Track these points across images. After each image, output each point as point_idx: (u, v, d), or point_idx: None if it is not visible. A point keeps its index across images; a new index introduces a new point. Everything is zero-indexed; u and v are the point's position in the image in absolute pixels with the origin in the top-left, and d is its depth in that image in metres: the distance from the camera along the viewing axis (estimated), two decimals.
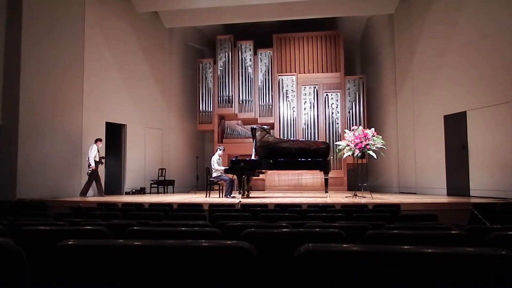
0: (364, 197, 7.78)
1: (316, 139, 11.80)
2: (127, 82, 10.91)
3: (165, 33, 12.38)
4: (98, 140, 9.69)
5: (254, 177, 9.16)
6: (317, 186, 11.74)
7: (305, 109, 12.31)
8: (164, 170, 11.50)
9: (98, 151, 9.44)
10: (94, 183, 9.13)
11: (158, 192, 10.94)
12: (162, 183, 11.18)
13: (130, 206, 5.68)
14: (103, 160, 9.95)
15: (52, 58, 8.98)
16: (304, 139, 11.62)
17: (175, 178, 11.79)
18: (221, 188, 8.75)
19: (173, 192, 11.42)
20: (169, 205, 5.58)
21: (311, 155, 8.16)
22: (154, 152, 11.68)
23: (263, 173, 9.47)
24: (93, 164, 9.28)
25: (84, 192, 8.99)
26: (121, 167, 10.83)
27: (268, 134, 8.38)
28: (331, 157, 11.28)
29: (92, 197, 8.90)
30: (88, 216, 3.92)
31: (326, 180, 8.01)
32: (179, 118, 12.90)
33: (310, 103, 12.25)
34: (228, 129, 12.92)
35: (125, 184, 10.71)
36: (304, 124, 12.20)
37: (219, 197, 8.52)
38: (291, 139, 11.49)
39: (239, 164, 7.92)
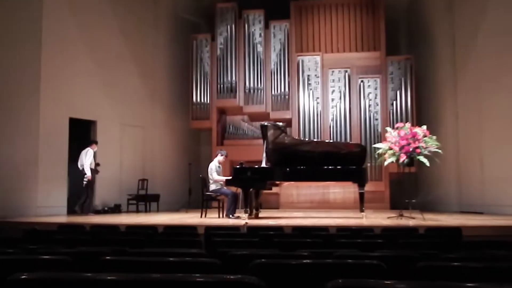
0: (413, 218, 7.71)
1: (348, 141, 11.78)
2: (99, 66, 11.01)
3: (148, 2, 12.48)
4: (93, 143, 10.06)
5: (265, 191, 9.13)
6: (349, 203, 11.68)
7: (333, 100, 12.29)
8: (146, 182, 11.55)
9: (94, 156, 9.82)
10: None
11: (138, 211, 10.96)
12: (144, 199, 11.24)
13: (102, 229, 5.71)
14: (99, 169, 10.33)
15: None
16: (331, 140, 11.61)
17: (160, 191, 11.83)
18: (221, 205, 8.76)
19: (157, 211, 11.43)
20: (152, 227, 5.62)
21: (342, 161, 8.14)
22: (133, 157, 11.73)
23: (276, 185, 9.46)
24: (89, 173, 9.68)
25: (88, 208, 9.61)
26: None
27: (283, 134, 8.39)
28: (368, 165, 11.23)
29: (60, 216, 8.98)
30: (48, 242, 3.95)
31: (361, 195, 7.98)
32: (166, 113, 12.92)
33: (340, 92, 12.24)
34: (231, 127, 12.97)
35: (95, 199, 10.78)
36: (332, 120, 12.18)
37: (219, 217, 8.51)
38: (315, 140, 11.59)
39: (245, 173, 7.93)
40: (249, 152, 12.02)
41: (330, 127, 12.14)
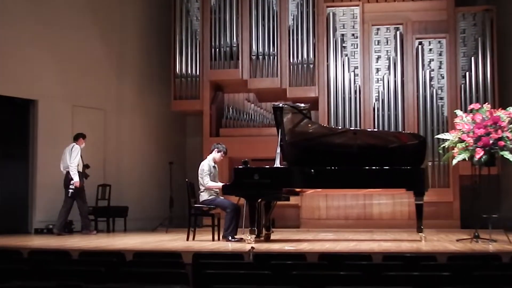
0: (494, 241, 7.67)
1: (400, 129, 11.71)
2: (45, 25, 11.05)
3: None
4: (80, 137, 10.35)
5: (279, 202, 9.11)
6: (401, 220, 11.67)
7: (378, 71, 12.22)
8: (108, 189, 11.59)
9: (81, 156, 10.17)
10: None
11: (97, 230, 10.92)
12: (105, 213, 11.25)
13: (45, 256, 5.73)
14: (88, 172, 10.60)
15: None
16: (376, 129, 11.55)
17: (129, 203, 11.84)
18: (216, 222, 8.78)
19: (125, 230, 11.46)
20: (118, 254, 5.64)
21: (391, 159, 8.14)
22: (90, 153, 11.54)
23: (297, 194, 9.44)
24: (76, 178, 10.00)
25: (61, 226, 10.00)
26: (27, 181, 10.92)
27: (306, 120, 8.37)
28: (429, 164, 11.17)
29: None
30: None
31: (419, 207, 7.99)
32: (138, 90, 12.93)
33: (388, 59, 12.18)
34: (231, 110, 12.92)
35: (35, 214, 10.81)
36: (377, 100, 12.13)
37: (213, 240, 8.53)
38: (351, 128, 11.39)
39: (250, 176, 7.92)
40: (256, 146, 11.99)
41: (373, 109, 12.09)
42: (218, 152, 8.78)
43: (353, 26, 12.34)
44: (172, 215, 11.85)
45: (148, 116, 13.16)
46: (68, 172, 10.06)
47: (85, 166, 10.49)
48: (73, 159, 10.01)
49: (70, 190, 9.96)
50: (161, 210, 12.28)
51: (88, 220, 10.46)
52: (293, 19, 12.51)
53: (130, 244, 7.84)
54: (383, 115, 12.03)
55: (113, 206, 11.44)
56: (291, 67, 12.42)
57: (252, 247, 6.35)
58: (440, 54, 12.00)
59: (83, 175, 10.35)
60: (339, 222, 11.94)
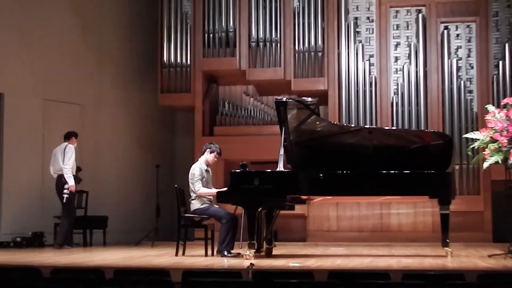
0: None
1: (422, 128, 11.73)
2: (10, 13, 11.08)
3: None
4: (73, 135, 10.47)
5: (283, 212, 9.09)
6: (422, 232, 11.66)
7: (397, 60, 12.24)
8: (84, 196, 11.59)
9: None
10: None
11: (72, 243, 10.88)
12: (82, 224, 11.22)
13: (12, 273, 5.71)
14: (81, 175, 10.76)
15: None
16: (394, 127, 11.57)
17: (109, 212, 11.83)
18: (210, 235, 8.78)
19: (104, 244, 11.48)
20: (96, 271, 5.65)
21: (411, 161, 8.15)
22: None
23: (302, 202, 9.41)
24: (71, 182, 10.13)
25: (63, 238, 10.19)
26: None
27: (314, 117, 8.39)
28: (456, 167, 11.17)
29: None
30: None
31: (444, 218, 7.98)
32: (119, 82, 12.97)
33: (409, 46, 12.19)
34: (227, 105, 12.94)
35: (0, 225, 10.84)
36: (395, 93, 12.15)
37: (206, 255, 8.56)
38: (366, 126, 11.46)
39: (249, 181, 7.94)
40: (256, 147, 12.01)
41: (392, 104, 12.10)
42: (210, 152, 8.77)
43: (369, 8, 12.35)
44: (158, 227, 11.86)
45: (131, 112, 13.19)
46: (60, 176, 10.17)
47: (78, 169, 10.60)
48: (67, 160, 10.11)
49: (65, 196, 10.06)
50: (146, 221, 12.28)
51: (68, 233, 10.50)
52: (299, 0, 12.52)
53: (110, 260, 7.85)
54: (402, 111, 12.03)
55: (90, 216, 11.44)
56: (297, 55, 12.42)
57: (251, 264, 6.30)
58: (469, 41, 12.01)
59: (76, 179, 10.41)
60: (352, 235, 11.94)
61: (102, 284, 4.76)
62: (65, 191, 10.08)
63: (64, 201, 10.14)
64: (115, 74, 12.93)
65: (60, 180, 10.19)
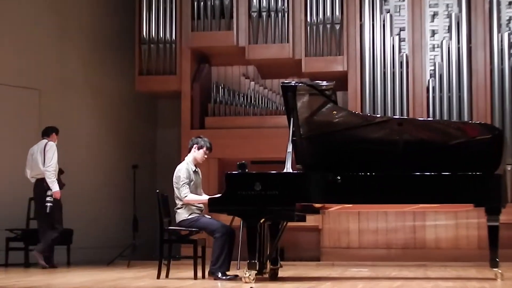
0: None
1: (466, 119, 11.76)
2: None
3: None
4: (54, 131, 10.74)
5: (291, 224, 9.01)
6: (466, 249, 11.66)
7: (434, 34, 12.24)
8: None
9: None
10: None
11: (27, 263, 11.09)
12: (41, 239, 11.10)
13: None
14: (63, 179, 10.93)
15: None
16: (430, 118, 11.57)
17: (75, 225, 11.82)
18: (200, 253, 8.73)
19: (68, 263, 11.58)
20: None
21: (452, 160, 8.15)
22: (20, 151, 11.60)
23: (315, 211, 9.36)
24: (56, 188, 10.33)
25: (48, 252, 10.44)
26: None
27: (330, 105, 8.32)
28: (509, 168, 11.17)
29: None
30: None
31: (493, 231, 7.93)
32: (87, 62, 13.03)
33: (449, 16, 12.20)
34: (221, 91, 12.99)
35: None
36: (432, 76, 12.18)
37: (195, 278, 8.49)
38: (395, 117, 11.55)
39: (249, 186, 7.86)
40: (257, 142, 12.16)
41: (427, 89, 12.15)
42: (198, 149, 8.72)
43: None
44: (136, 242, 11.92)
45: (103, 99, 13.27)
46: (40, 180, 10.32)
47: (60, 171, 10.74)
48: (49, 161, 10.27)
49: (49, 204, 10.17)
50: (120, 235, 12.39)
51: (52, 249, 10.64)
52: None
53: (76, 284, 7.80)
54: (441, 98, 12.06)
55: None
56: (308, 28, 12.47)
57: None
58: None
59: (60, 184, 10.57)
60: (377, 253, 11.97)
61: None
62: (48, 198, 10.18)
63: (48, 210, 10.21)
64: (83, 54, 13.01)
65: (41, 185, 10.32)
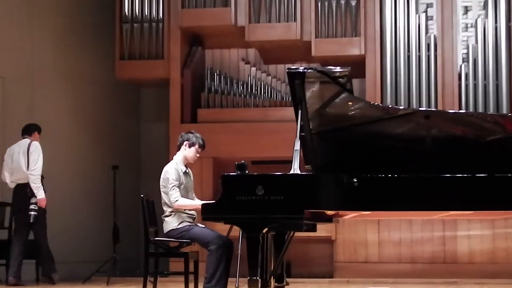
0: None
1: (504, 111, 11.79)
2: None
3: None
4: (36, 130, 10.89)
5: (298, 234, 9.02)
6: (504, 263, 11.68)
7: (466, 11, 12.24)
8: (8, 210, 11.53)
9: None
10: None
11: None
12: (6, 251, 11.18)
13: None
14: (45, 184, 11.00)
15: None
16: (463, 110, 11.56)
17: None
18: (191, 267, 8.76)
19: (37, 280, 11.66)
20: None
21: (487, 160, 8.09)
22: None
23: (328, 219, 9.35)
24: (41, 195, 10.53)
25: (50, 269, 10.78)
26: None
27: (344, 94, 8.24)
28: None
29: None
30: None
31: None
32: (62, 46, 13.10)
33: None
34: (216, 78, 13.04)
35: None
36: (464, 60, 12.20)
37: None
38: (421, 109, 11.60)
39: (250, 189, 7.81)
40: (259, 138, 12.23)
41: (459, 76, 12.18)
42: (189, 146, 8.73)
43: None
44: (117, 256, 11.97)
45: (77, 88, 13.33)
46: (21, 186, 10.45)
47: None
48: (34, 164, 10.42)
49: (33, 214, 10.32)
50: (99, 247, 12.46)
51: (52, 261, 10.85)
52: None
53: None
54: (475, 86, 12.10)
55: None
56: (319, 5, 12.49)
57: None
58: None
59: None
60: (400, 268, 11.99)
61: None
62: (31, 206, 10.34)
63: (32, 220, 10.34)
64: (53, 34, 13.04)
65: (23, 191, 10.43)
